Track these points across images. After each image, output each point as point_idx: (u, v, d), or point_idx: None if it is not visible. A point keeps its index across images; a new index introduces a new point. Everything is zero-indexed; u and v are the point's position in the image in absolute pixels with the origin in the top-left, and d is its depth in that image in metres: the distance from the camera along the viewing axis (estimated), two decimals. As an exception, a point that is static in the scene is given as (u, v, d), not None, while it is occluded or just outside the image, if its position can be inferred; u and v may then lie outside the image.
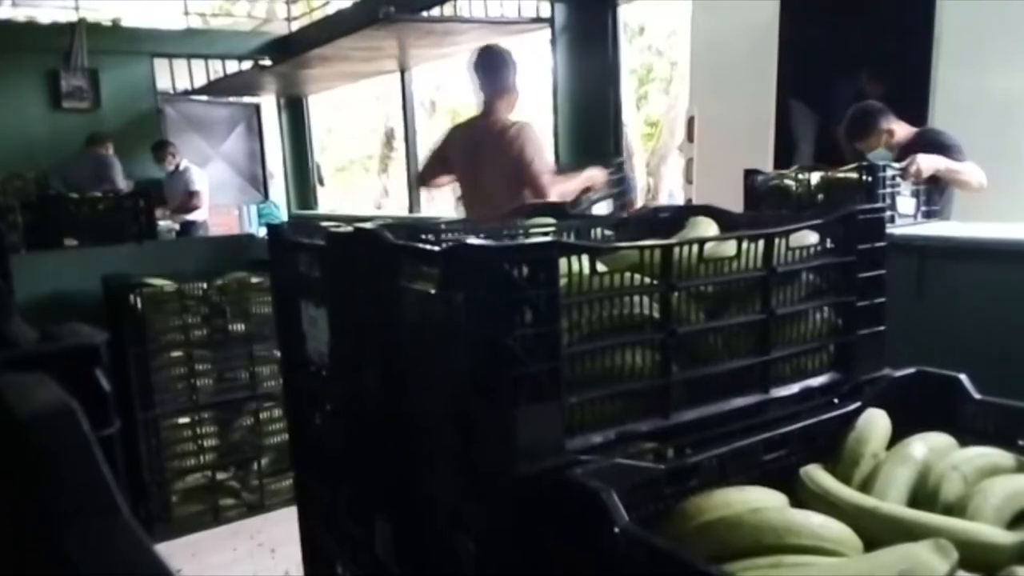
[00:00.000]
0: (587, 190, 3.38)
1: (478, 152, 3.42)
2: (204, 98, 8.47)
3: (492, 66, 3.45)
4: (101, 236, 3.83)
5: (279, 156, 9.22)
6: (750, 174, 3.38)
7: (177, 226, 6.93)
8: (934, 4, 3.71)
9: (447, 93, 18.37)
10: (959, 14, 3.71)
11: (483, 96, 3.46)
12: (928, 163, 3.09)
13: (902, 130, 3.48)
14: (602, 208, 3.45)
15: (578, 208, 3.25)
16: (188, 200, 6.98)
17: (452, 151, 3.56)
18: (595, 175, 3.44)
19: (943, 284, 2.59)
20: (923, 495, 0.97)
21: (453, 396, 1.04)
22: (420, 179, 3.88)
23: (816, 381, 1.19)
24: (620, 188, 3.59)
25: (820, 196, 3.15)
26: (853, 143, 3.58)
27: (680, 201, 6.26)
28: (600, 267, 1.02)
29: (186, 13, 8.76)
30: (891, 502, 0.94)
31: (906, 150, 3.31)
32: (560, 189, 3.32)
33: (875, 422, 1.08)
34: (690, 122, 5.03)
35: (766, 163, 4.26)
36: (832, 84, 4.91)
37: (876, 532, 0.87)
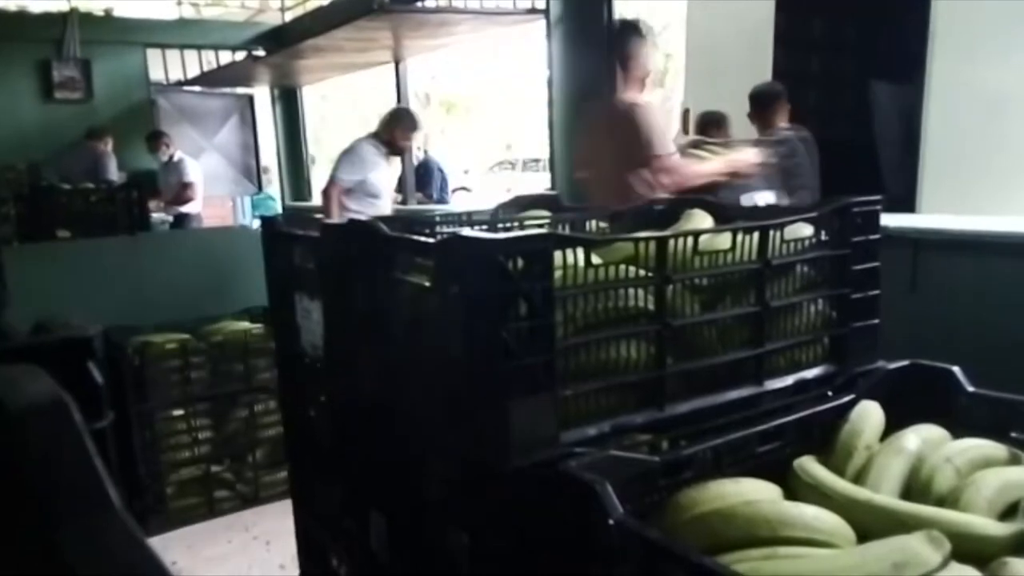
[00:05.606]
0: (734, 176, 2.89)
1: (594, 133, 3.16)
2: (197, 89, 8.42)
3: (615, 41, 3.14)
4: (94, 228, 3.81)
5: (273, 147, 9.18)
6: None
7: (171, 218, 6.89)
8: (929, -1, 3.71)
9: (442, 84, 18.34)
10: (954, 9, 3.71)
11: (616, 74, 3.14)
12: None
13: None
14: (764, 199, 2.78)
15: (725, 199, 2.75)
16: (182, 192, 6.94)
17: (580, 133, 3.29)
18: (744, 159, 2.93)
19: (937, 277, 2.60)
20: (916, 487, 0.97)
21: (447, 388, 1.04)
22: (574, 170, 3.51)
23: (810, 373, 1.19)
24: (783, 167, 2.93)
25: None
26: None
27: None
28: (595, 259, 1.01)
29: (179, 3, 8.72)
30: (884, 494, 0.95)
31: None
32: (685, 173, 2.87)
33: (869, 414, 1.08)
34: (685, 115, 5.03)
35: (761, 155, 4.26)
36: (827, 78, 4.91)
37: (869, 524, 0.88)
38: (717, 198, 2.82)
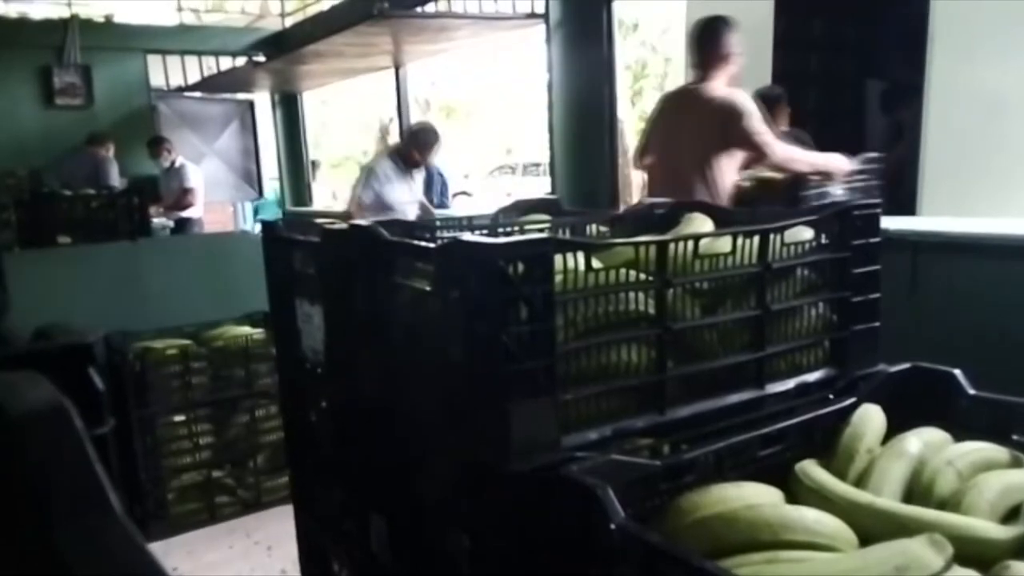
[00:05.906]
0: (821, 176, 2.98)
1: (679, 122, 3.18)
2: (198, 95, 8.44)
3: (702, 34, 3.19)
4: (95, 233, 3.81)
5: (273, 153, 9.19)
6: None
7: (172, 223, 6.90)
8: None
9: (442, 89, 18.36)
10: (954, 9, 3.71)
11: (696, 67, 3.23)
12: None
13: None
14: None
15: (804, 196, 2.87)
16: (183, 197, 6.95)
17: (656, 124, 3.32)
18: (838, 163, 3.05)
19: (937, 279, 2.59)
20: (918, 490, 0.97)
21: (448, 392, 1.04)
22: (635, 160, 3.52)
23: (811, 377, 1.19)
24: (864, 187, 3.03)
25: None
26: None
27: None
28: (595, 263, 1.02)
29: (179, 9, 8.72)
30: (886, 497, 0.95)
31: None
32: (789, 153, 3.01)
33: (870, 417, 1.08)
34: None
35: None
36: (827, 78, 4.91)
37: (871, 527, 0.87)
38: (800, 197, 2.89)
